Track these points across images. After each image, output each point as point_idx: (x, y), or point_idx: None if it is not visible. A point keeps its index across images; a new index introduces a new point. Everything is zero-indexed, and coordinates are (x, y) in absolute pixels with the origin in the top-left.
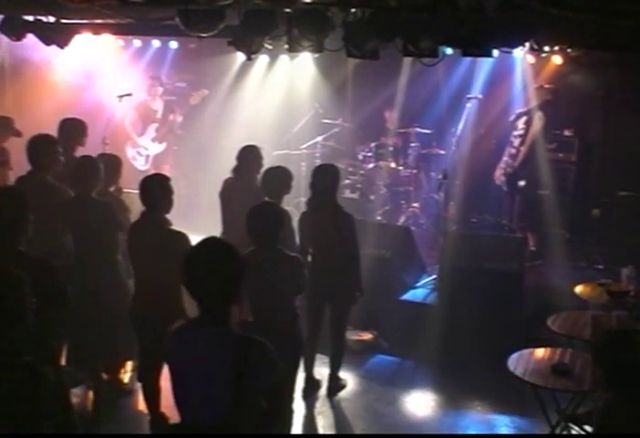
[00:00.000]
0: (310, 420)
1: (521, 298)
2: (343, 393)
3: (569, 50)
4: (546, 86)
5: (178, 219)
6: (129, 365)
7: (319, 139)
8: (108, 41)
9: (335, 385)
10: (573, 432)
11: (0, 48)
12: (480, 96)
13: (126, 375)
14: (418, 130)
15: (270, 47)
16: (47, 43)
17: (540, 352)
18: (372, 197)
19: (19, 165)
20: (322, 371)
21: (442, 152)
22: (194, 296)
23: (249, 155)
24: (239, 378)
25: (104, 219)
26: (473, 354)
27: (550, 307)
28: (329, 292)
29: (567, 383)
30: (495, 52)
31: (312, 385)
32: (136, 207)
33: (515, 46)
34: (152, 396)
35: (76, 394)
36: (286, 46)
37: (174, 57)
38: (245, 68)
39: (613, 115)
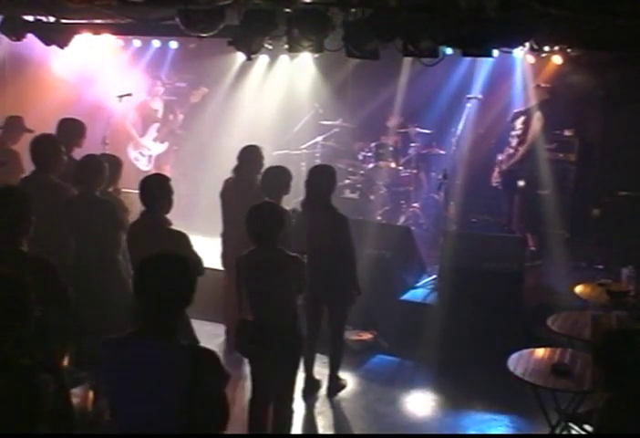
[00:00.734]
0: (310, 420)
1: (521, 298)
2: (343, 393)
3: (569, 50)
4: (542, 85)
5: (178, 219)
6: None
7: (319, 139)
8: (108, 41)
9: (335, 385)
10: (573, 432)
11: (0, 48)
12: (480, 96)
13: None
14: (418, 130)
15: (270, 47)
16: (47, 43)
17: (540, 352)
18: (372, 197)
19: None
20: (322, 371)
21: (442, 152)
22: (141, 305)
23: (250, 155)
24: (190, 391)
25: (107, 218)
26: (473, 354)
27: (550, 307)
28: (326, 293)
29: (567, 383)
30: (495, 52)
31: (312, 385)
32: (136, 207)
33: (515, 47)
34: None
35: (76, 394)
36: (286, 46)
37: (174, 57)
38: (245, 68)
39: (613, 115)
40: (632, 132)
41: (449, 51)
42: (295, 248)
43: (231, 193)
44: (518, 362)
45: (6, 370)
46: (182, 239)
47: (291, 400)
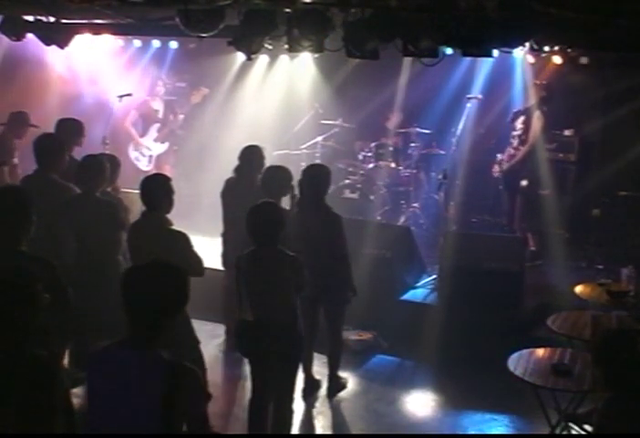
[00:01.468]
0: (310, 420)
1: (520, 298)
2: (343, 393)
3: (569, 50)
4: (538, 82)
5: (178, 219)
6: None
7: (319, 139)
8: (108, 41)
9: (335, 385)
10: (573, 432)
11: (0, 48)
12: (480, 96)
13: None
14: (418, 130)
15: (270, 47)
16: (47, 43)
17: (540, 352)
18: (372, 197)
19: (22, 165)
20: (321, 371)
21: (442, 152)
22: (126, 314)
23: (251, 155)
24: (166, 407)
25: (108, 218)
26: (473, 354)
27: (550, 307)
28: (320, 293)
29: (567, 383)
30: (495, 52)
31: (312, 385)
32: (136, 207)
33: (515, 47)
34: None
35: (76, 394)
36: (286, 46)
37: (174, 57)
38: (245, 68)
39: (613, 115)
40: (632, 132)
41: (449, 51)
42: (294, 248)
43: (231, 193)
44: (518, 362)
45: (22, 360)
46: (183, 239)
47: (291, 400)
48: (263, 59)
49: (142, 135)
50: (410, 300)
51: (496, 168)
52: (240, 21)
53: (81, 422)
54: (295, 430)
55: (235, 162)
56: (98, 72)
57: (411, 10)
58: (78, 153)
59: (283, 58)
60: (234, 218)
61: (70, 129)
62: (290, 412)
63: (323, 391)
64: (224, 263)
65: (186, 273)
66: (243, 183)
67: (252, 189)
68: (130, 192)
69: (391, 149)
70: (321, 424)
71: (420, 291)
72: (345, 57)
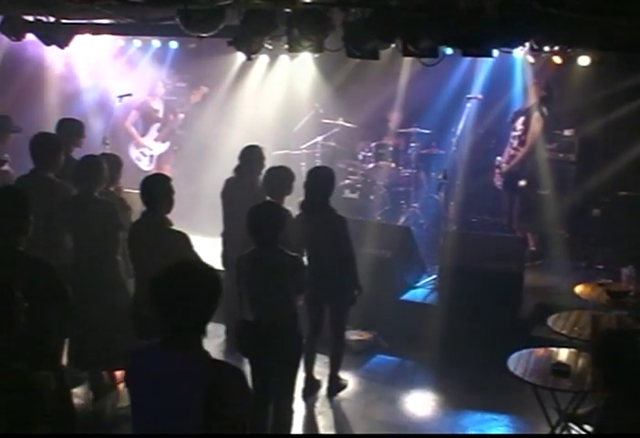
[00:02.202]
0: (310, 420)
1: (520, 298)
2: (343, 393)
3: (569, 50)
4: (536, 81)
5: (179, 219)
6: None
7: (319, 139)
8: (108, 41)
9: (336, 385)
10: (573, 432)
11: (0, 48)
12: (480, 96)
13: None
14: (418, 130)
15: (270, 47)
16: (47, 43)
17: (540, 352)
18: (372, 197)
19: (17, 164)
20: (322, 371)
21: (442, 152)
22: (163, 317)
23: (251, 155)
24: (209, 407)
25: (106, 218)
26: (473, 354)
27: (550, 307)
28: (327, 293)
29: (567, 383)
30: (495, 52)
31: (312, 385)
32: (137, 207)
33: (515, 47)
34: None
35: (76, 394)
36: (286, 46)
37: (174, 57)
38: (245, 68)
39: (613, 115)
40: (632, 132)
41: (449, 51)
42: (295, 248)
43: (232, 193)
44: (518, 362)
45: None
46: (183, 239)
47: (291, 400)
48: (263, 59)
49: (143, 135)
50: (410, 300)
51: (497, 177)
52: (240, 21)
53: (81, 422)
54: (295, 430)
55: (235, 162)
56: (99, 72)
57: (411, 10)
58: (78, 153)
59: (283, 58)
60: (234, 218)
61: (71, 129)
62: (290, 412)
63: (323, 391)
64: (224, 263)
65: (218, 272)
66: (243, 183)
67: (253, 189)
68: (131, 192)
69: (391, 149)
70: (321, 424)
71: (420, 291)
72: (345, 56)
